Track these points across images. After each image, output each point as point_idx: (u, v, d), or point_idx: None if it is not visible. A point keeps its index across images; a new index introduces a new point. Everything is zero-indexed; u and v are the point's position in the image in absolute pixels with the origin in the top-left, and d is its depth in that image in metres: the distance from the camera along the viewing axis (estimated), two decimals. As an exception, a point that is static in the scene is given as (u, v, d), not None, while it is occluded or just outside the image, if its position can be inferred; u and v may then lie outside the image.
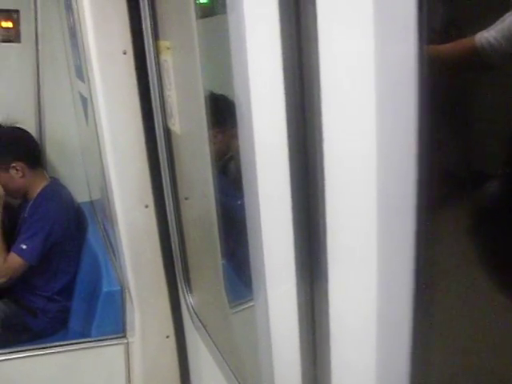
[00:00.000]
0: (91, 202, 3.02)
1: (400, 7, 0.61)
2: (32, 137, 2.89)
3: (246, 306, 1.59)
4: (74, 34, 2.08)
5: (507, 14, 0.59)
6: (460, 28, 0.65)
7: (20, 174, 2.65)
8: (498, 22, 0.61)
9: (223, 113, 1.67)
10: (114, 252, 2.30)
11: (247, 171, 0.92)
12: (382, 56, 0.62)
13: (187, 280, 1.86)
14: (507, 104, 0.59)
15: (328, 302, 0.82)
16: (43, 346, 2.22)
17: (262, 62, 0.82)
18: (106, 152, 1.75)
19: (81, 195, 3.07)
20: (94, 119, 1.84)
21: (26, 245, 2.53)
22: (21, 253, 2.52)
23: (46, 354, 2.17)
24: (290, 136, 0.82)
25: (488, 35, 0.62)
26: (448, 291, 0.70)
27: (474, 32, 0.64)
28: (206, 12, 1.66)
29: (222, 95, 1.66)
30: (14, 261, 2.53)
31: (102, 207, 2.39)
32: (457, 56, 0.65)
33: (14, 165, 2.63)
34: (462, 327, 0.69)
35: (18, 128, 2.79)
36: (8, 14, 2.92)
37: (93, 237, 2.68)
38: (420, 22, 0.60)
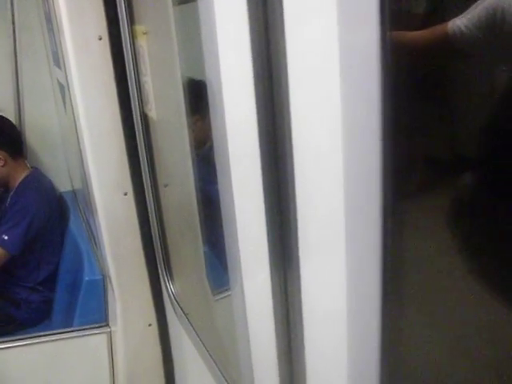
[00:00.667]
0: (73, 191, 3.00)
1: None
2: (14, 126, 2.87)
3: (228, 293, 1.59)
4: (49, 20, 2.05)
5: (478, 2, 0.58)
6: (430, 14, 0.65)
7: (1, 162, 2.62)
8: (469, 10, 0.60)
9: (203, 100, 1.65)
10: (95, 241, 2.28)
11: (220, 161, 0.91)
12: (345, 43, 0.62)
13: (168, 268, 1.84)
14: (477, 92, 0.59)
15: (300, 288, 0.83)
16: (27, 336, 2.21)
17: (231, 47, 0.82)
18: (83, 139, 1.72)
19: (63, 184, 3.06)
20: (72, 106, 1.82)
21: (7, 235, 2.51)
22: (2, 243, 2.50)
23: (30, 344, 2.16)
24: (260, 125, 0.82)
25: (460, 23, 0.62)
26: (416, 280, 0.69)
27: (446, 19, 0.63)
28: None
29: (201, 81, 1.64)
30: None
31: (83, 196, 2.37)
32: (429, 43, 0.64)
33: None
34: (430, 316, 0.69)
35: (0, 116, 2.77)
36: (-16, 1, 2.88)
37: (75, 226, 2.66)
38: (382, 7, 0.59)
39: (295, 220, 0.80)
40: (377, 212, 0.67)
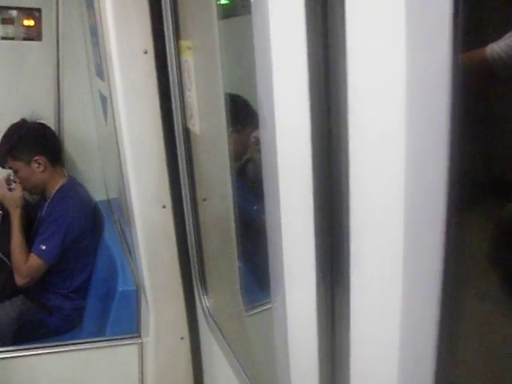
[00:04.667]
0: (108, 201, 3.02)
1: (433, 12, 0.58)
2: (54, 133, 2.92)
3: (262, 309, 1.58)
4: (95, 33, 2.09)
5: None
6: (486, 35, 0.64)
7: (41, 168, 2.66)
8: (507, 36, 0.59)
9: (243, 114, 1.66)
10: (130, 252, 2.30)
11: (268, 174, 0.91)
12: (412, 62, 0.60)
13: (203, 282, 1.84)
14: None
15: (349, 307, 0.80)
16: (57, 343, 2.23)
17: (286, 63, 0.81)
18: (124, 151, 1.74)
19: (98, 194, 3.08)
20: (113, 118, 1.84)
21: (45, 245, 2.54)
22: (40, 253, 2.54)
23: (60, 351, 2.18)
24: (313, 139, 0.81)
25: (497, 47, 0.61)
26: (475, 300, 0.68)
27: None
28: (227, 13, 1.66)
29: (241, 96, 1.65)
30: (35, 262, 2.55)
31: (119, 206, 2.39)
32: (472, 66, 0.64)
33: (36, 158, 2.65)
34: (488, 338, 0.67)
35: (42, 124, 2.83)
36: (30, 12, 2.94)
37: (109, 236, 2.68)
38: (455, 28, 0.58)
39: (347, 235, 0.77)
40: (438, 227, 0.64)
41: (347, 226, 0.77)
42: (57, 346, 2.19)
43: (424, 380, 0.70)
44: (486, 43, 0.65)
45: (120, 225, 2.64)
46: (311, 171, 0.83)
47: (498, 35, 0.63)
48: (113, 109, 1.83)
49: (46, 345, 2.21)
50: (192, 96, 1.55)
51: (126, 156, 1.74)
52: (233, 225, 1.62)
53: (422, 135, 0.62)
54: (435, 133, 0.62)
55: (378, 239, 0.71)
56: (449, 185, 0.63)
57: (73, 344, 2.19)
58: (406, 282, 0.67)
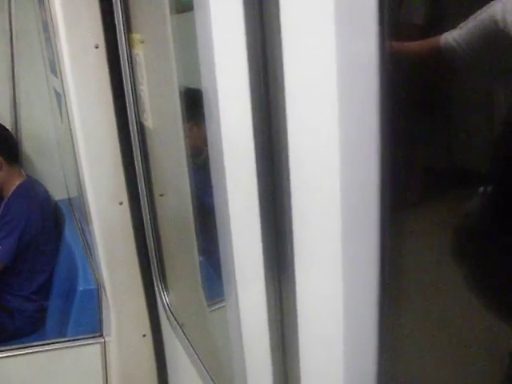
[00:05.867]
0: (69, 200, 2.98)
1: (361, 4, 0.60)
2: (9, 131, 2.86)
3: (223, 304, 1.57)
4: (46, 28, 2.05)
5: (471, 18, 0.58)
6: (423, 27, 0.64)
7: None
8: (461, 25, 0.60)
9: (201, 108, 1.64)
10: (90, 250, 2.27)
11: (215, 170, 0.91)
12: (343, 53, 0.61)
13: (163, 278, 1.83)
14: (468, 105, 0.59)
15: (295, 300, 0.82)
16: (18, 346, 2.18)
17: (227, 57, 0.82)
18: (78, 148, 1.71)
19: (59, 193, 3.03)
20: (68, 115, 1.81)
21: (0, 245, 2.49)
22: None
23: (21, 354, 2.13)
24: (255, 133, 0.81)
25: (451, 37, 0.62)
26: (413, 289, 0.69)
27: (438, 32, 0.63)
28: (180, 7, 1.63)
29: (197, 89, 1.63)
30: None
31: (79, 205, 2.36)
32: (422, 55, 0.64)
33: None
34: (429, 326, 0.68)
35: (-3, 123, 2.76)
36: (-18, 9, 2.87)
37: (70, 235, 2.64)
38: (381, 18, 0.59)
39: (290, 231, 0.79)
40: (374, 221, 0.66)
41: (290, 224, 0.79)
42: (17, 348, 2.14)
43: (367, 365, 0.71)
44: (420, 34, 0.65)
45: (80, 223, 2.60)
46: (255, 171, 0.84)
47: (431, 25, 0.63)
48: (66, 105, 1.79)
49: (8, 348, 2.16)
50: (144, 90, 1.53)
51: (81, 153, 1.71)
52: (192, 219, 1.61)
53: (356, 128, 0.63)
54: (370, 130, 0.62)
55: (318, 235, 0.73)
56: (383, 180, 0.64)
57: (33, 346, 2.15)
58: (346, 275, 0.68)
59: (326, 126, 0.65)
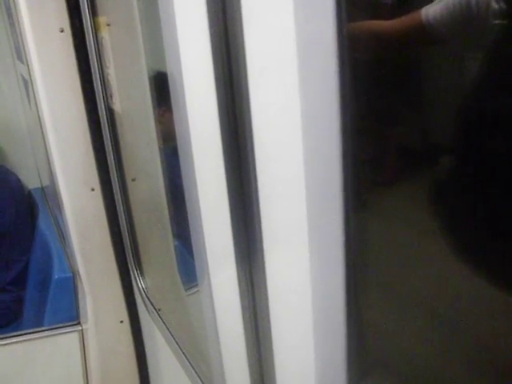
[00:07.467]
0: (42, 188, 2.94)
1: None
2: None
3: (198, 288, 1.57)
4: (10, 14, 2.00)
5: None
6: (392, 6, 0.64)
7: None
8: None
9: (167, 90, 1.62)
10: (64, 238, 2.24)
11: (183, 155, 0.90)
12: (302, 36, 0.61)
13: (138, 263, 1.82)
14: (441, 82, 0.59)
15: (266, 282, 0.82)
16: (-3, 337, 2.16)
17: (190, 39, 0.81)
18: (48, 135, 1.69)
19: (32, 181, 2.99)
20: (35, 101, 1.78)
21: None
22: None
23: (0, 345, 2.11)
24: (221, 117, 0.81)
25: (433, 11, 0.61)
26: (380, 272, 0.69)
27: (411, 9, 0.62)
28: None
29: (165, 73, 1.61)
30: None
31: (51, 193, 2.33)
32: (402, 33, 0.63)
33: None
34: (395, 307, 0.69)
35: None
36: None
37: (44, 224, 2.61)
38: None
39: (259, 215, 0.79)
40: (338, 206, 0.67)
41: (258, 208, 0.79)
42: (-5, 339, 2.12)
43: (337, 342, 0.72)
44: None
45: (54, 211, 2.57)
46: (222, 156, 0.83)
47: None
48: (33, 92, 1.76)
49: (-16, 339, 2.15)
50: (111, 74, 1.50)
51: (50, 140, 1.69)
52: (165, 204, 1.60)
53: (318, 117, 0.63)
54: (331, 114, 0.62)
55: (285, 222, 0.74)
56: (345, 170, 0.64)
57: (11, 337, 2.13)
58: (313, 258, 0.69)
59: (288, 111, 0.65)
